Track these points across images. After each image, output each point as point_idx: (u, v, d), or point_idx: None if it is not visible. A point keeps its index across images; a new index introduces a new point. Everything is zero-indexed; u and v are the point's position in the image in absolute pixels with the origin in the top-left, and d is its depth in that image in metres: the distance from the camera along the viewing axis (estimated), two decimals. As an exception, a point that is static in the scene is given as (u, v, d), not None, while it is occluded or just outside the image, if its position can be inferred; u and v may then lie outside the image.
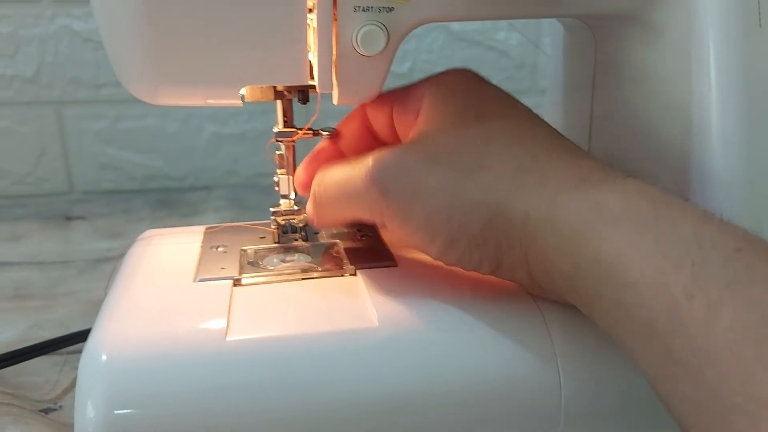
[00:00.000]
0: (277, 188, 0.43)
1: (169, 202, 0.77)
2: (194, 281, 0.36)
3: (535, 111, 0.35)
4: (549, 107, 0.49)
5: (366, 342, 0.31)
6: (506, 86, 0.36)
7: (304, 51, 0.35)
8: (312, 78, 0.37)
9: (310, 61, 0.36)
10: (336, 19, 0.34)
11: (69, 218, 0.74)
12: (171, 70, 0.34)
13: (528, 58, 0.80)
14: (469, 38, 0.77)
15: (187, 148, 0.78)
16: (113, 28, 0.34)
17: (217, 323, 0.31)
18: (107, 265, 0.63)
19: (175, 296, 0.34)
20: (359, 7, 0.34)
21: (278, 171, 0.43)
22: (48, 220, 0.73)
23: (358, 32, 0.34)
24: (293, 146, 0.42)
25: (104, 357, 0.30)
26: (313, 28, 0.34)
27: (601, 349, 0.32)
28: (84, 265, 0.63)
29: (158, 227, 0.72)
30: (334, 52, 0.35)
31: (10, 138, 0.74)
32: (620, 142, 0.41)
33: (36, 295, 0.57)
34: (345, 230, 0.44)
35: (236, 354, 0.30)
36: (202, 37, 0.33)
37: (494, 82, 0.36)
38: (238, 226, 0.45)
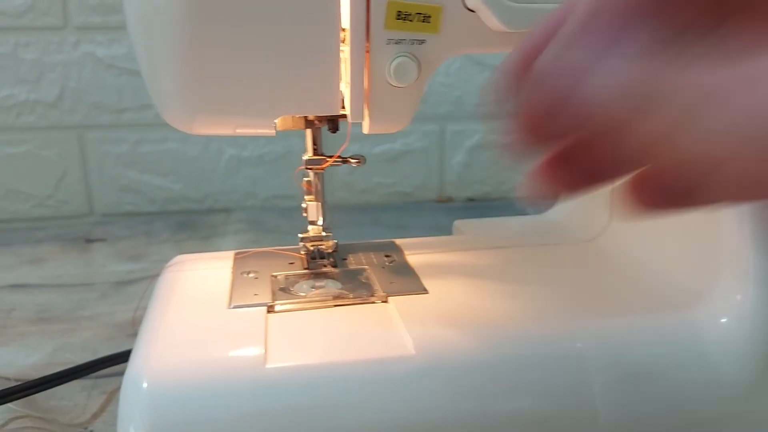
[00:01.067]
0: (305, 214, 0.44)
1: (190, 225, 0.78)
2: (229, 308, 0.37)
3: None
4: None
5: (403, 369, 0.31)
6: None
7: (337, 82, 0.35)
8: (343, 108, 0.37)
9: (341, 92, 0.37)
10: (368, 51, 0.35)
11: (89, 240, 0.75)
12: (207, 101, 0.35)
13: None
14: (486, 62, 0.78)
15: (206, 171, 0.79)
16: (153, 59, 0.35)
17: (256, 350, 0.32)
18: (130, 287, 0.63)
19: (212, 323, 0.35)
20: (392, 39, 0.34)
21: (306, 197, 0.44)
22: (68, 242, 0.74)
23: (390, 64, 0.35)
24: (322, 174, 0.43)
25: (145, 385, 0.30)
26: (345, 59, 0.35)
27: (639, 378, 0.32)
28: (106, 287, 0.64)
29: (179, 249, 0.73)
30: (366, 83, 0.35)
31: (32, 162, 0.75)
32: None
33: (59, 318, 0.58)
34: (373, 257, 0.44)
35: (276, 381, 0.30)
36: (238, 68, 0.34)
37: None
38: (266, 252, 0.45)
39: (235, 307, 0.37)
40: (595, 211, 0.47)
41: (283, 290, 0.39)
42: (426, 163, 0.81)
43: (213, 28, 0.33)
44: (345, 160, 0.42)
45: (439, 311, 0.36)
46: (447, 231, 0.76)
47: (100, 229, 0.77)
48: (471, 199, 0.84)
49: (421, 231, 0.77)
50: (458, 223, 0.52)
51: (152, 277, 0.66)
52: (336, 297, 0.38)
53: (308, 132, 0.41)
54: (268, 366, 0.31)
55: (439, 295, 0.38)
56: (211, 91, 0.35)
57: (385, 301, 0.38)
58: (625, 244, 0.43)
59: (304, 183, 0.43)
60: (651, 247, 0.41)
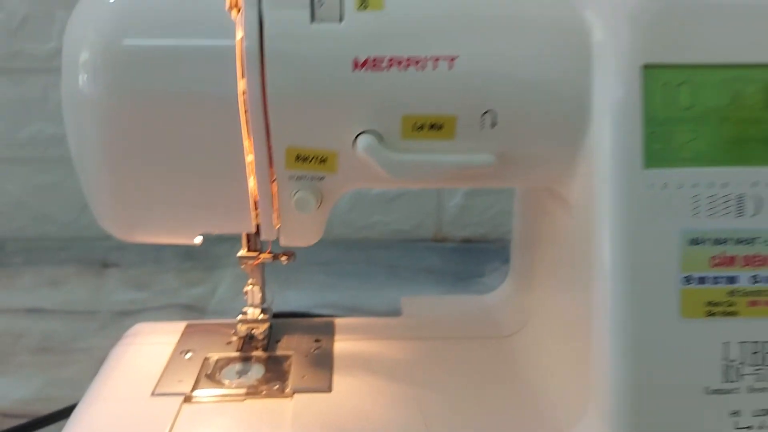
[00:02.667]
0: (246, 298, 0.48)
1: (195, 254, 0.84)
2: (152, 395, 0.42)
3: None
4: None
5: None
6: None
7: (249, 207, 0.40)
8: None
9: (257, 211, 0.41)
10: (274, 181, 0.39)
11: (105, 265, 0.82)
12: (136, 225, 0.40)
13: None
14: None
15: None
16: (88, 186, 0.40)
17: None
18: (127, 319, 0.70)
19: (130, 412, 0.40)
20: (294, 175, 0.38)
21: (249, 281, 0.48)
22: (86, 265, 0.81)
23: (292, 197, 0.39)
24: (260, 265, 0.47)
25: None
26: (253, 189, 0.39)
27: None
28: (107, 317, 0.71)
29: (182, 279, 0.79)
30: (275, 209, 0.40)
31: (60, 190, 0.83)
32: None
33: (56, 348, 0.64)
34: (303, 342, 0.49)
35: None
36: (162, 198, 0.39)
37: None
38: (213, 325, 0.50)
39: (156, 395, 0.42)
40: (521, 304, 0.50)
41: (209, 376, 0.44)
42: (424, 204, 0.85)
43: (135, 164, 0.38)
44: (276, 256, 0.46)
45: (329, 415, 0.40)
46: (438, 272, 0.80)
47: (116, 254, 0.84)
48: (467, 240, 0.87)
49: (411, 272, 0.81)
50: (404, 300, 0.55)
51: (151, 310, 0.73)
52: (248, 390, 0.43)
53: (243, 233, 0.46)
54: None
55: (340, 395, 0.42)
56: (141, 216, 0.40)
57: (290, 397, 0.42)
58: (536, 346, 0.46)
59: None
60: (555, 354, 0.43)
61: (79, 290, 0.76)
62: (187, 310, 0.72)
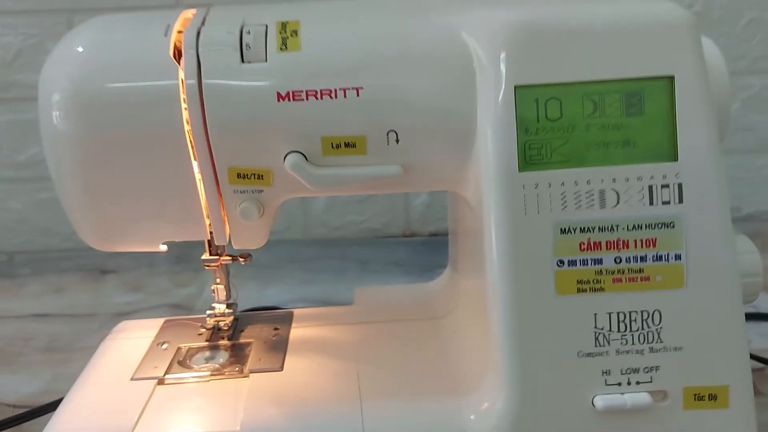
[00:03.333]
0: (214, 294, 0.56)
1: (186, 258, 0.92)
2: (131, 379, 0.50)
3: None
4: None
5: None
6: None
7: (201, 217, 0.47)
8: (213, 232, 0.49)
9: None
10: (221, 196, 0.46)
11: (104, 272, 0.90)
12: (105, 235, 0.48)
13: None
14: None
15: (202, 210, 0.93)
16: (67, 203, 0.48)
17: (128, 421, 0.45)
18: (124, 319, 0.77)
19: (112, 394, 0.48)
20: (237, 190, 0.46)
21: (216, 281, 0.56)
22: (87, 272, 0.89)
23: (237, 208, 0.46)
24: (222, 266, 0.55)
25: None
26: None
27: None
28: (106, 318, 0.79)
29: (174, 281, 0.87)
30: (224, 218, 0.47)
31: (59, 205, 0.91)
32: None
33: (62, 348, 0.73)
34: (264, 330, 0.56)
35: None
36: (124, 211, 0.46)
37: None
38: (187, 320, 0.58)
39: (134, 379, 0.50)
40: (453, 290, 0.57)
41: (180, 363, 0.52)
42: (393, 203, 0.92)
43: (104, 186, 0.45)
44: (234, 258, 0.54)
45: (278, 389, 0.48)
46: (406, 265, 0.87)
47: (114, 260, 0.92)
48: (433, 234, 0.94)
49: (382, 265, 0.88)
50: (357, 290, 0.63)
51: (145, 310, 0.81)
52: (212, 373, 0.50)
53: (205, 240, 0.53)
54: (130, 436, 0.44)
55: (289, 374, 0.50)
56: (113, 230, 0.47)
57: (247, 377, 0.50)
58: (461, 324, 0.53)
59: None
60: (472, 331, 0.51)
61: (81, 295, 0.84)
62: (177, 308, 0.80)
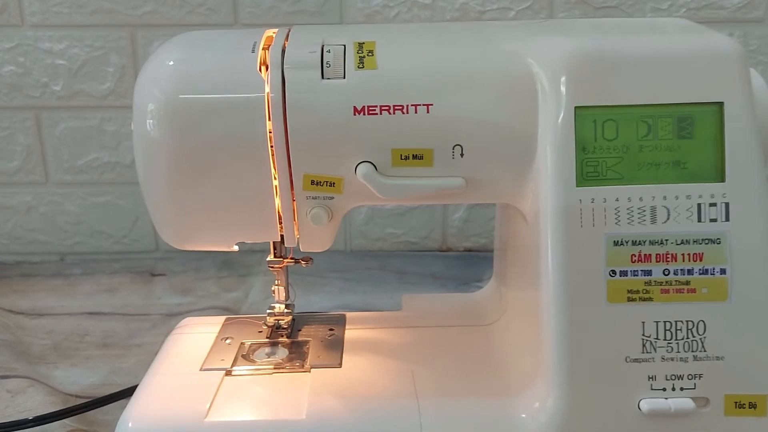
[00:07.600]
0: (274, 294, 0.59)
1: (231, 263, 0.95)
2: (200, 370, 0.53)
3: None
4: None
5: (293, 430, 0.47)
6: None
7: (274, 221, 0.51)
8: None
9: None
10: (294, 200, 0.50)
11: (153, 275, 0.94)
12: (187, 235, 0.51)
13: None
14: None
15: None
16: (152, 202, 0.51)
17: (202, 407, 0.48)
18: (174, 320, 0.81)
19: (184, 383, 0.52)
20: (309, 196, 0.50)
21: (276, 282, 0.59)
22: (137, 275, 0.93)
23: (308, 213, 0.50)
24: (285, 268, 0.58)
25: (130, 424, 0.47)
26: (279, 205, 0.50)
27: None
28: (158, 319, 0.82)
29: (220, 285, 0.90)
30: (295, 222, 0.51)
31: (112, 209, 0.95)
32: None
33: (117, 344, 0.76)
34: (320, 330, 0.59)
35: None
36: (207, 214, 0.50)
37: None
38: (246, 319, 0.61)
39: (203, 370, 0.53)
40: (499, 299, 0.60)
41: (245, 356, 0.55)
42: (431, 217, 0.96)
43: (189, 188, 0.49)
44: (297, 261, 0.58)
45: (339, 384, 0.51)
46: (443, 278, 0.91)
47: (162, 264, 0.96)
48: (469, 250, 0.97)
49: (419, 277, 0.92)
50: (405, 297, 0.66)
51: (195, 311, 0.84)
52: (276, 366, 0.54)
53: (271, 242, 0.57)
54: (206, 420, 0.47)
55: (348, 370, 0.53)
56: (192, 228, 0.51)
57: (309, 372, 0.53)
58: (508, 331, 0.56)
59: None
60: (520, 337, 0.54)
61: (132, 296, 0.88)
62: (225, 311, 0.84)
